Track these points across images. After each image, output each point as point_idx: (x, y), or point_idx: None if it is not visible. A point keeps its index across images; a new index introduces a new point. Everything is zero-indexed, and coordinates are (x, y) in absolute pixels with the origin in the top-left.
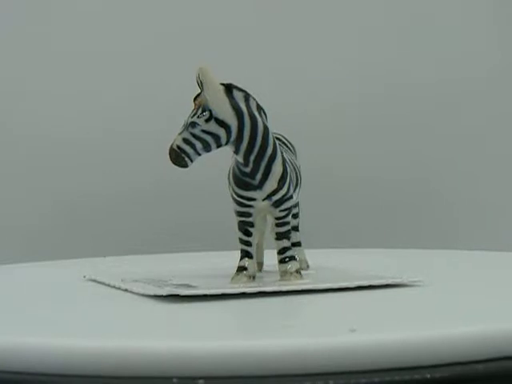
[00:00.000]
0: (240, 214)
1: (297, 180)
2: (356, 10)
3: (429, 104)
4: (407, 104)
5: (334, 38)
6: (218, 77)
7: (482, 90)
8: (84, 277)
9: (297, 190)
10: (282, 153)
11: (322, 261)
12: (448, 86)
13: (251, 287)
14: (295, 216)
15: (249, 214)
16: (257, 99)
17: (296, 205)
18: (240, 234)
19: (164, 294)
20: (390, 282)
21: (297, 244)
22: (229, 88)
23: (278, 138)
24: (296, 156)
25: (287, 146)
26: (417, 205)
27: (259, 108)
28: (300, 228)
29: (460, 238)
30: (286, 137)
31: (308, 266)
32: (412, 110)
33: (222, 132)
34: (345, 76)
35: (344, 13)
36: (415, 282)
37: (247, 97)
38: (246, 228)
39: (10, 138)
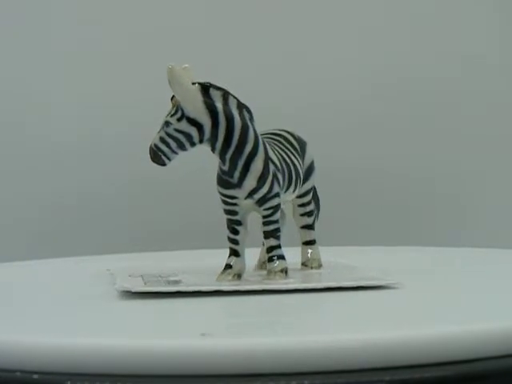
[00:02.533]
0: (226, 212)
1: (290, 178)
2: (358, 11)
3: (430, 103)
4: (409, 103)
5: (338, 36)
6: (222, 77)
7: (484, 89)
8: (108, 270)
9: (290, 189)
10: (266, 151)
11: (331, 259)
12: (449, 86)
13: (211, 286)
14: (309, 214)
15: (235, 213)
16: (267, 97)
17: (309, 203)
18: (228, 232)
19: (120, 289)
20: (362, 284)
21: (310, 242)
22: (205, 87)
23: (281, 136)
24: (303, 154)
25: (290, 144)
26: (427, 201)
27: (240, 106)
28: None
29: (470, 236)
30: (294, 134)
31: (320, 265)
32: (414, 109)
33: (193, 131)
34: (350, 74)
35: (347, 11)
36: (392, 284)
37: (226, 95)
38: (232, 226)
39: (11, 138)
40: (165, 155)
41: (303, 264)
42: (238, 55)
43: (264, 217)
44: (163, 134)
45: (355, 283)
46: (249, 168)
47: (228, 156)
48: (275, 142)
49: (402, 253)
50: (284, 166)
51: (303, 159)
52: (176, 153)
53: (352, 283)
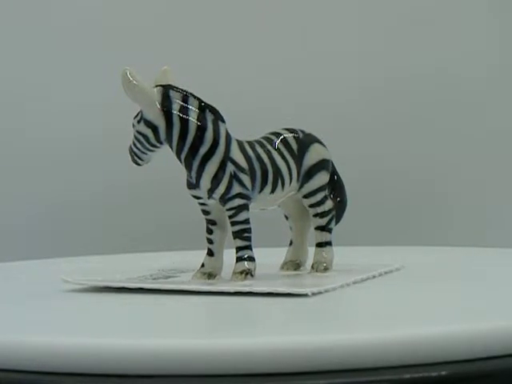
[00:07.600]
0: (202, 212)
1: (265, 179)
2: (360, 9)
3: (430, 103)
4: (408, 103)
5: (338, 36)
6: (222, 77)
7: (484, 89)
8: (173, 263)
9: (265, 190)
10: (226, 152)
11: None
12: (450, 85)
13: (161, 283)
14: (321, 215)
15: (206, 212)
16: (268, 98)
17: (319, 203)
18: (205, 232)
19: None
20: (271, 290)
21: (321, 244)
22: (165, 89)
23: (278, 135)
24: (303, 153)
25: (284, 144)
26: (427, 201)
27: (203, 108)
28: None
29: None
30: (297, 133)
31: (327, 269)
32: (414, 109)
33: (149, 132)
34: (350, 74)
35: (348, 10)
36: (300, 292)
37: (185, 97)
38: (207, 226)
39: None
40: (136, 155)
41: (312, 267)
42: (237, 55)
43: (229, 217)
44: (133, 136)
45: (266, 289)
46: (204, 169)
47: (183, 156)
48: (264, 143)
49: (403, 252)
50: (257, 166)
51: (302, 159)
52: (144, 153)
53: (263, 289)
